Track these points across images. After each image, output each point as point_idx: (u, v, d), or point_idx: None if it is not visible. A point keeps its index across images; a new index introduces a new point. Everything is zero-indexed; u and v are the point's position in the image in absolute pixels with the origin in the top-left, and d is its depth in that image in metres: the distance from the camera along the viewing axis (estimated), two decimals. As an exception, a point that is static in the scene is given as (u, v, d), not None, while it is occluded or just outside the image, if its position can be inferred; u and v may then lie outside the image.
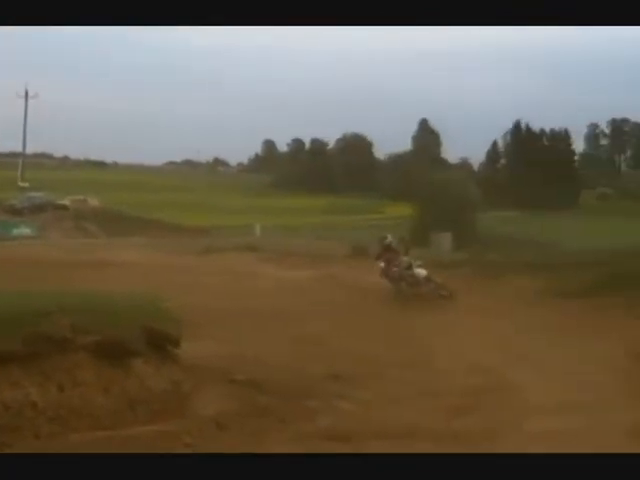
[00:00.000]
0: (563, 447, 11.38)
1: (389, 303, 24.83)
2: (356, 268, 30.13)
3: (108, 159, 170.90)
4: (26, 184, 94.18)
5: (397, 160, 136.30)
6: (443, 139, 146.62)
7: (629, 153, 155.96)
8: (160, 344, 13.56)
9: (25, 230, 68.81)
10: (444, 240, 52.37)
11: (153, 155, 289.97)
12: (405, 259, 26.07)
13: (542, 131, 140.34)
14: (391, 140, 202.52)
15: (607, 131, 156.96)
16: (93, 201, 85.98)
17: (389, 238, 26.94)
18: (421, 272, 25.72)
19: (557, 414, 13.76)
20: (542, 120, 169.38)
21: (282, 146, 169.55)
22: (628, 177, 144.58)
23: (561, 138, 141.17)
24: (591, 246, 31.18)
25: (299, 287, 26.41)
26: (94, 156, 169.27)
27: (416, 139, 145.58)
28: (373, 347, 18.66)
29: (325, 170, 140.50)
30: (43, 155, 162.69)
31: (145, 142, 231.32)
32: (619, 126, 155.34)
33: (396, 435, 12.34)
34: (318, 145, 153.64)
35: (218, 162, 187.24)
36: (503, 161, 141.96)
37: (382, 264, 26.11)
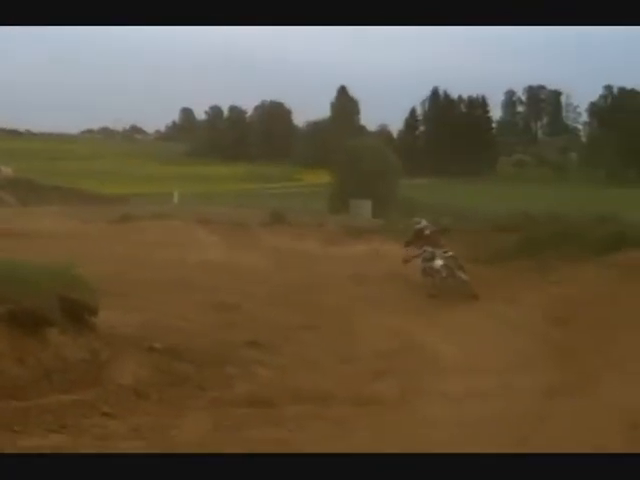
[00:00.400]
0: (481, 408, 11.65)
1: (303, 267, 24.82)
2: (275, 234, 30.20)
3: (21, 127, 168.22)
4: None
5: (316, 127, 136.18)
6: (362, 106, 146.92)
7: (545, 120, 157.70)
8: (77, 313, 13.44)
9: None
10: (363, 207, 52.53)
11: (69, 123, 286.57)
12: (429, 250, 21.86)
13: (460, 98, 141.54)
14: (310, 108, 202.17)
15: (524, 98, 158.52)
16: (6, 170, 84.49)
17: (423, 222, 23.02)
18: (438, 263, 21.49)
19: (475, 376, 14.00)
20: (460, 87, 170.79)
21: (200, 114, 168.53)
22: (544, 144, 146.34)
23: (478, 105, 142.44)
24: (507, 212, 31.46)
25: (217, 255, 26.36)
26: (7, 124, 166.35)
27: (335, 106, 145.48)
28: (289, 314, 18.73)
29: (243, 138, 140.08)
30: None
31: (61, 110, 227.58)
32: (535, 93, 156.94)
33: (314, 399, 12.47)
34: (236, 113, 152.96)
35: (135, 130, 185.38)
36: (422, 128, 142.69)
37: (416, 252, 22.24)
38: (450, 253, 21.70)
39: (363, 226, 32.52)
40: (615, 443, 9.10)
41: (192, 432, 10.72)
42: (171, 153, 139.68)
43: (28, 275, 13.14)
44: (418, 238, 22.41)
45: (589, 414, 10.93)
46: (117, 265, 22.96)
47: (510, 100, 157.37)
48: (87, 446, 9.88)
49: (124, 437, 10.40)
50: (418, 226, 22.76)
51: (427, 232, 22.48)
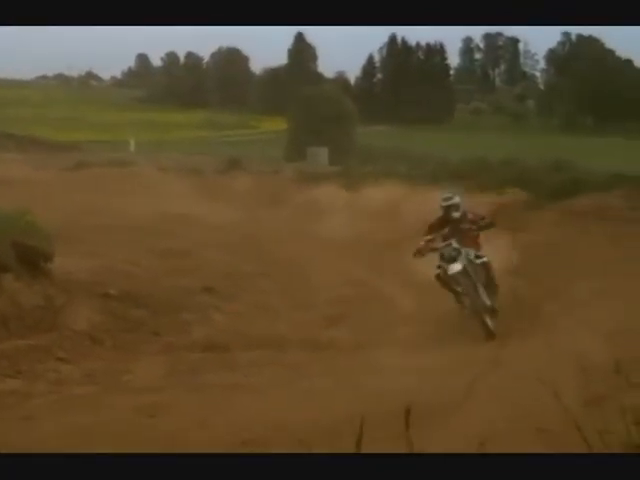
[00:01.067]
0: (434, 355, 11.76)
1: (256, 212, 24.79)
2: (231, 181, 30.16)
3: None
4: None
5: (273, 74, 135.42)
6: (319, 53, 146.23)
7: (503, 68, 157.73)
8: (32, 260, 13.42)
9: None
10: (320, 154, 52.47)
11: (23, 69, 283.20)
12: (454, 245, 14.45)
13: (417, 45, 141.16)
14: (267, 54, 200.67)
15: (481, 45, 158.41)
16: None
17: (455, 199, 15.20)
18: (455, 267, 14.28)
19: (425, 324, 14.13)
20: (417, 34, 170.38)
21: (156, 60, 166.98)
22: (502, 92, 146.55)
23: (436, 52, 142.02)
24: (463, 158, 31.51)
25: (173, 202, 26.31)
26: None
27: (292, 53, 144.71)
28: (244, 261, 18.77)
29: (200, 85, 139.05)
30: None
31: (14, 55, 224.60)
32: (493, 40, 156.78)
33: (269, 345, 12.55)
34: (193, 59, 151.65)
35: (91, 76, 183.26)
36: (379, 75, 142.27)
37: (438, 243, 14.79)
38: (484, 259, 14.69)
39: (320, 173, 32.47)
40: (567, 387, 9.22)
41: (146, 377, 10.77)
42: (127, 100, 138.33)
43: (-19, 221, 13.08)
44: (445, 222, 14.98)
45: (542, 358, 11.07)
46: (72, 212, 22.86)
47: (468, 47, 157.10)
48: (42, 391, 9.92)
49: (78, 382, 10.44)
50: (445, 203, 15.11)
51: (456, 215, 14.90)
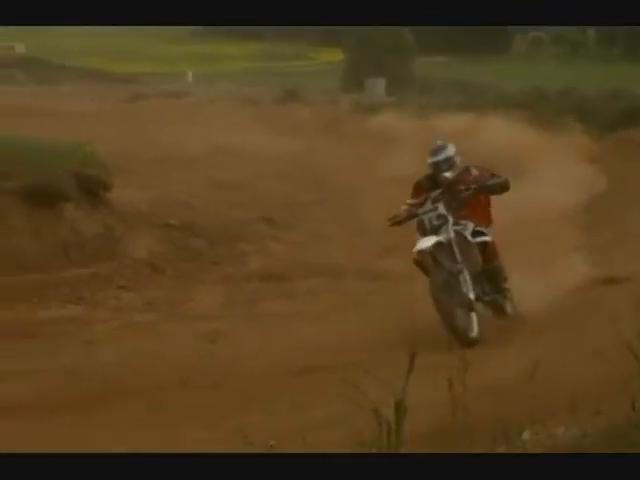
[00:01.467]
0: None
1: (314, 142, 24.63)
2: (283, 111, 30.02)
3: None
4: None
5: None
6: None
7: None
8: (91, 189, 13.56)
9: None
10: (377, 85, 52.13)
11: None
12: (441, 211, 9.92)
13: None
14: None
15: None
16: (20, 47, 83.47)
17: (448, 150, 10.39)
18: (428, 241, 9.73)
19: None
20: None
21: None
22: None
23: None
24: (522, 89, 31.09)
25: (228, 132, 26.27)
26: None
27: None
28: (301, 191, 18.72)
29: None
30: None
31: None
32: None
33: (326, 273, 12.61)
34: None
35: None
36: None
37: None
38: (486, 238, 10.12)
39: (377, 103, 32.24)
40: (623, 314, 9.16)
41: (205, 305, 10.91)
42: (183, 32, 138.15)
43: (41, 152, 13.24)
44: (432, 182, 10.39)
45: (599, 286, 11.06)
46: (127, 144, 22.87)
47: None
48: (103, 318, 10.11)
49: (139, 310, 10.62)
50: (432, 158, 10.42)
51: (447, 175, 10.23)
